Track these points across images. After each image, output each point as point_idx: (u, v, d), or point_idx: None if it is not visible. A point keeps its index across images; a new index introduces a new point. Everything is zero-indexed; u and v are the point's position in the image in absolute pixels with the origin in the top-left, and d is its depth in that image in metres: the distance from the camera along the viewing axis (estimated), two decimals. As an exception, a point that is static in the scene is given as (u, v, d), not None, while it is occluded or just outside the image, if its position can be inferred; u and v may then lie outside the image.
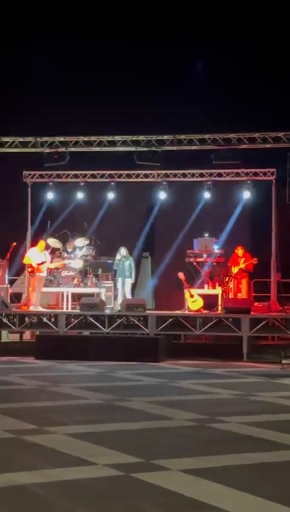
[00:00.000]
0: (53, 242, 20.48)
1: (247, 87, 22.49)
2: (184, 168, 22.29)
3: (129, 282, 20.04)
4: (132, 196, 22.95)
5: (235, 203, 22.23)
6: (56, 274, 19.88)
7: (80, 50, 23.13)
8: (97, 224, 22.25)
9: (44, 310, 18.69)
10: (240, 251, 19.69)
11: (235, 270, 19.60)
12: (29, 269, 18.77)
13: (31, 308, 18.44)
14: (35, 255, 18.80)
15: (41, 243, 19.09)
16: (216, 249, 20.24)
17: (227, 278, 19.76)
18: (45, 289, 19.36)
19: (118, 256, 20.00)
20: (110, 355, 16.08)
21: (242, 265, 19.45)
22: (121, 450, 7.44)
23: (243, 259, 19.57)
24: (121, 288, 19.97)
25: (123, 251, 20.05)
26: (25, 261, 19.04)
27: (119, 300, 19.71)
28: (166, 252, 22.56)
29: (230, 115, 21.54)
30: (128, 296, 19.77)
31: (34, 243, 20.18)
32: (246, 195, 21.89)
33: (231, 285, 19.90)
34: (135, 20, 23.17)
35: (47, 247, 19.49)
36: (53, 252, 20.13)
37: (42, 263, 18.65)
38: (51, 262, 19.29)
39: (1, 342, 19.26)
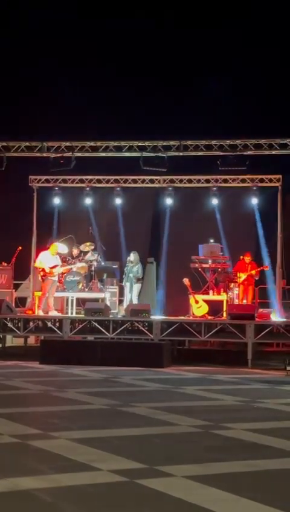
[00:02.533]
0: (58, 247, 20.42)
1: (253, 93, 22.52)
2: (190, 173, 22.31)
3: (137, 287, 20.04)
4: (138, 201, 22.96)
5: (241, 209, 22.23)
6: (61, 279, 19.85)
7: (87, 55, 23.18)
8: (102, 229, 22.25)
9: (58, 314, 18.57)
10: (247, 258, 19.65)
11: (242, 276, 19.56)
12: (42, 273, 18.55)
13: (50, 313, 18.34)
14: (47, 258, 18.54)
15: (54, 246, 18.77)
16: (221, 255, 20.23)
17: (232, 284, 19.73)
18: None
19: (127, 262, 20.01)
20: (115, 360, 16.07)
21: (253, 272, 19.42)
22: (125, 455, 7.43)
23: (249, 267, 19.56)
24: (128, 293, 19.96)
25: (131, 256, 20.04)
26: (37, 264, 18.86)
27: (125, 305, 19.71)
28: (171, 257, 22.56)
29: (236, 120, 21.57)
30: (136, 301, 19.76)
31: (39, 248, 20.15)
32: (252, 201, 21.91)
33: (236, 291, 19.87)
34: (142, 26, 23.21)
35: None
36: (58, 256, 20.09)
37: (54, 267, 18.48)
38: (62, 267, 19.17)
39: (5, 347, 19.26)
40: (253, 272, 19.46)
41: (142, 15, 23.06)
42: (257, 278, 19.74)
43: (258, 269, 19.50)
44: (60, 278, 19.73)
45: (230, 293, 19.67)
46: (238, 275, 19.63)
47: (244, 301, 19.52)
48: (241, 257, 19.81)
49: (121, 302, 20.37)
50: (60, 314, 18.63)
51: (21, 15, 23.22)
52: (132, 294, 19.95)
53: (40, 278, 18.82)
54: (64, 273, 19.66)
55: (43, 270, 18.39)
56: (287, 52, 22.31)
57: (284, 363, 15.54)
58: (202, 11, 23.18)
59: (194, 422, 9.43)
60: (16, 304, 20.11)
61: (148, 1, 23.11)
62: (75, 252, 20.41)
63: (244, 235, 22.14)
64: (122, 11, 23.07)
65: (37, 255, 19.51)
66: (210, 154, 20.31)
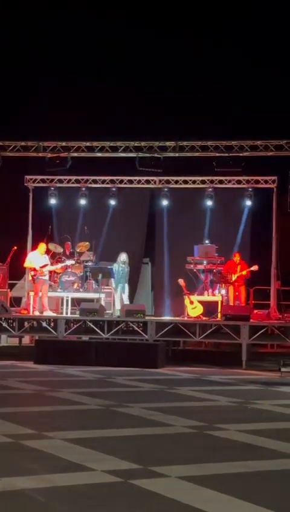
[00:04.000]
0: (54, 247, 20.46)
1: (249, 95, 22.54)
2: (186, 174, 22.31)
3: (127, 288, 20.04)
4: (133, 202, 22.96)
5: (236, 210, 22.24)
6: (56, 279, 19.85)
7: (82, 55, 23.18)
8: (98, 230, 22.24)
9: (53, 314, 18.55)
10: (237, 258, 19.63)
11: (233, 277, 19.55)
12: (32, 273, 18.54)
13: (45, 313, 18.32)
14: (36, 258, 18.60)
15: (42, 246, 18.82)
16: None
17: (224, 285, 19.69)
18: (44, 293, 19.30)
19: (118, 262, 19.99)
20: (109, 360, 16.07)
21: (244, 272, 19.39)
22: (119, 456, 7.44)
23: (239, 267, 19.53)
24: (119, 293, 19.95)
25: (124, 257, 20.02)
26: (26, 264, 18.90)
27: (117, 305, 19.71)
28: (166, 258, 22.56)
29: (232, 122, 21.58)
30: (126, 302, 19.75)
31: (34, 248, 20.13)
32: (247, 202, 21.93)
33: (224, 291, 19.79)
34: (138, 23, 23.22)
35: (47, 251, 19.40)
36: (54, 256, 20.10)
37: (44, 266, 18.49)
38: (52, 266, 19.18)
39: (0, 346, 19.24)
40: (244, 272, 19.44)
41: (137, 18, 23.09)
42: (247, 278, 19.74)
43: (249, 269, 19.48)
44: (55, 278, 19.73)
45: (224, 293, 19.64)
46: (230, 275, 19.60)
47: (237, 302, 19.49)
48: (232, 258, 19.78)
49: (114, 302, 20.34)
50: (54, 314, 18.63)
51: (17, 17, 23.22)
52: (123, 294, 19.93)
53: (30, 278, 18.84)
54: (59, 272, 19.65)
55: (34, 269, 18.42)
56: (286, 53, 22.34)
57: (278, 365, 15.56)
58: (202, 11, 23.20)
59: (188, 423, 9.45)
60: (10, 303, 20.08)
61: (148, 6, 23.11)
62: (69, 251, 20.42)
63: (239, 236, 22.13)
64: (121, 13, 23.10)
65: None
66: (206, 155, 20.33)
